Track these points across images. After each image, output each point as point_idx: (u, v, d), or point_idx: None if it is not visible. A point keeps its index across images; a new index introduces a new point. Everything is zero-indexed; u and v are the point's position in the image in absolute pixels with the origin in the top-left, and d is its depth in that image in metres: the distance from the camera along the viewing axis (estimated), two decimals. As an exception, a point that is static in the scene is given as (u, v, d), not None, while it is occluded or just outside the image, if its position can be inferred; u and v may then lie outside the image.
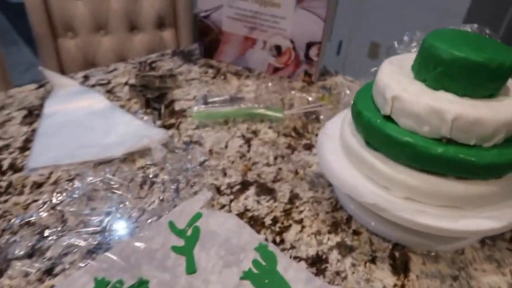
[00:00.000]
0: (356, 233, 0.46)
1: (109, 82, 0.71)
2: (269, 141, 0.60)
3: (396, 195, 0.42)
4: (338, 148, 0.48)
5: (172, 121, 0.63)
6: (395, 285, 0.41)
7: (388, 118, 0.42)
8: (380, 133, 0.41)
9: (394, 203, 0.41)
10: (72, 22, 0.98)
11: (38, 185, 0.49)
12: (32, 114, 0.61)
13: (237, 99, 0.66)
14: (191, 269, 0.41)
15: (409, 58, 0.45)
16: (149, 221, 0.45)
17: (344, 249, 0.44)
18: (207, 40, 0.80)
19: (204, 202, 0.48)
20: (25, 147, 0.55)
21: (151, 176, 0.52)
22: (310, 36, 0.71)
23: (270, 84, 0.75)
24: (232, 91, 0.72)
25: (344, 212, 0.49)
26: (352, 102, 0.47)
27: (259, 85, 0.75)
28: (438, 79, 0.40)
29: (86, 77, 0.72)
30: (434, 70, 0.40)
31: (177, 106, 0.66)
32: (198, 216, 0.47)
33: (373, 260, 0.43)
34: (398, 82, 0.41)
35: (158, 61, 0.80)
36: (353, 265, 0.43)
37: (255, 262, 0.42)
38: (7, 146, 0.55)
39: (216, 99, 0.65)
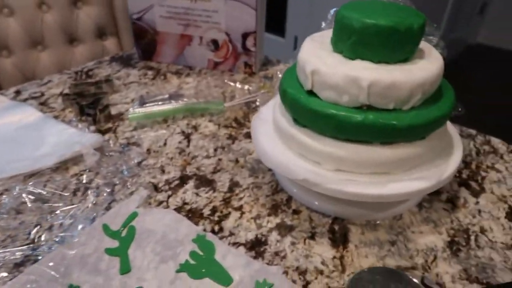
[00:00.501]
0: (296, 212, 0.46)
1: (42, 95, 0.69)
2: (210, 134, 0.59)
3: (327, 168, 0.42)
4: (271, 131, 0.48)
5: (109, 125, 0.61)
6: (334, 257, 0.41)
7: (311, 93, 0.42)
8: (304, 109, 0.41)
9: (325, 176, 0.41)
10: (6, 40, 0.95)
11: (-38, 205, 0.46)
12: (-42, 135, 0.58)
13: (176, 97, 0.65)
14: (125, 269, 0.39)
15: (329, 33, 0.46)
16: (80, 227, 0.44)
17: (284, 229, 0.44)
18: (144, 42, 0.79)
19: (140, 201, 0.47)
20: (-51, 168, 0.52)
21: (84, 182, 0.50)
22: (244, 27, 0.71)
23: (210, 79, 0.75)
24: (172, 89, 0.71)
25: (285, 193, 0.49)
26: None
27: (199, 81, 0.74)
28: (353, 48, 0.40)
29: (18, 92, 0.69)
30: (348, 40, 0.40)
31: (114, 110, 0.64)
32: (133, 215, 0.45)
33: (312, 237, 0.43)
34: (317, 57, 0.42)
35: (96, 68, 0.78)
36: (293, 243, 0.42)
37: (192, 254, 0.41)
38: None
39: (154, 99, 0.64)
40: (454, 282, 0.38)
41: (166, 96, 0.65)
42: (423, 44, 0.44)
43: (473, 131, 0.61)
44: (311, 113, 0.41)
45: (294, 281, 0.38)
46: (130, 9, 0.75)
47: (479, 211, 0.46)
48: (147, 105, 0.63)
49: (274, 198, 0.48)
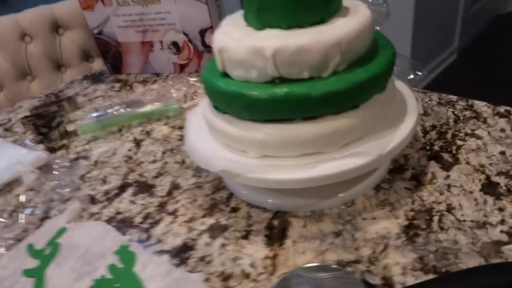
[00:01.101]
0: (234, 210, 0.41)
1: (9, 121, 0.69)
2: (161, 138, 0.56)
3: (253, 156, 0.37)
4: (203, 124, 0.43)
5: (64, 142, 0.59)
6: (266, 257, 0.35)
7: (225, 74, 0.37)
8: (216, 91, 0.37)
9: (248, 165, 0.36)
10: (-5, 75, 0.98)
11: None
12: None
13: (132, 104, 0.63)
14: (37, 290, 0.36)
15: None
16: (3, 250, 0.41)
17: (217, 231, 0.39)
18: (110, 56, 0.78)
19: (71, 215, 0.44)
20: None
21: (24, 201, 0.48)
22: (199, 24, 0.68)
23: (174, 81, 0.72)
24: (136, 98, 0.69)
25: (226, 191, 0.44)
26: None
27: (164, 86, 0.71)
28: (259, 17, 0.35)
29: (-13, 121, 0.70)
30: (253, 8, 0.35)
31: (73, 127, 0.62)
32: (61, 231, 0.42)
33: (246, 236, 0.38)
34: (225, 34, 0.37)
35: (66, 88, 0.78)
36: (223, 245, 0.37)
37: (110, 267, 0.37)
38: None
39: (109, 110, 0.62)
40: (405, 274, 0.31)
41: (122, 105, 0.62)
42: (350, 2, 0.38)
43: (454, 97, 0.53)
44: (222, 95, 0.36)
45: (215, 289, 0.33)
46: (89, 25, 0.75)
47: (448, 186, 0.39)
48: (102, 116, 0.61)
49: (214, 197, 0.43)
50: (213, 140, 0.40)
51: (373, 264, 0.33)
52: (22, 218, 0.45)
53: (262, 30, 0.35)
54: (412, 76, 0.51)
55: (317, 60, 0.33)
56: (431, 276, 0.31)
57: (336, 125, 0.34)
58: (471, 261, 0.31)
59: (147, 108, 0.61)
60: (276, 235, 0.37)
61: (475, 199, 0.37)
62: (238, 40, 0.35)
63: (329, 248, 0.35)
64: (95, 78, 0.81)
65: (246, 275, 0.34)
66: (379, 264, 0.32)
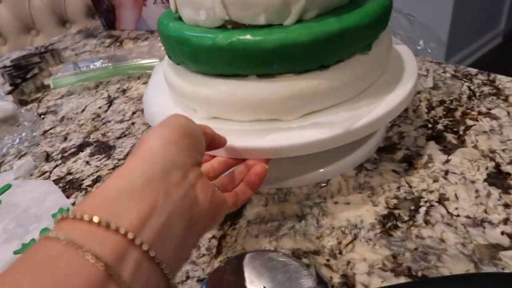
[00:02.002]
0: (192, 180, 0.36)
1: (-7, 70, 0.66)
2: (136, 97, 0.51)
3: (202, 116, 0.31)
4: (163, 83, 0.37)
5: (38, 95, 0.55)
6: (213, 236, 0.30)
7: (180, 18, 0.31)
8: (164, 36, 0.31)
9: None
10: (-1, 27, 0.95)
11: None
12: None
13: (115, 60, 0.58)
14: (-39, 249, 0.33)
15: None
16: None
17: (166, 202, 0.34)
18: (103, 10, 0.72)
19: (21, 172, 0.40)
20: None
21: (-22, 154, 0.44)
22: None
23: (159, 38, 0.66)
24: (121, 53, 0.64)
25: (189, 158, 0.38)
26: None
27: (154, 44, 0.66)
28: None
29: (-28, 70, 0.67)
30: None
31: (49, 80, 0.58)
32: (5, 188, 0.38)
33: (197, 210, 0.32)
34: None
35: (58, 42, 0.74)
36: (169, 219, 0.32)
37: (43, 231, 0.33)
38: None
39: (87, 63, 0.57)
40: (371, 274, 0.25)
41: (104, 59, 0.57)
42: None
43: (474, 70, 0.45)
44: (168, 40, 0.31)
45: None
46: (82, -28, 0.69)
47: (446, 173, 0.32)
48: (79, 70, 0.56)
49: (173, 164, 0.38)
50: (169, 97, 0.35)
51: (335, 258, 0.27)
52: (-30, 170, 0.42)
53: None
54: (422, 45, 0.43)
55: (275, 2, 0.26)
56: (402, 280, 0.24)
57: (298, 86, 0.27)
58: (457, 266, 0.25)
59: (129, 64, 0.56)
60: (230, 212, 0.32)
61: (477, 191, 0.30)
62: None
63: (286, 234, 0.29)
64: (89, 33, 0.76)
65: (185, 256, 0.29)
66: (342, 259, 0.26)
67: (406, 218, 0.29)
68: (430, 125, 0.37)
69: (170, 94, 0.34)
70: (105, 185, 0.18)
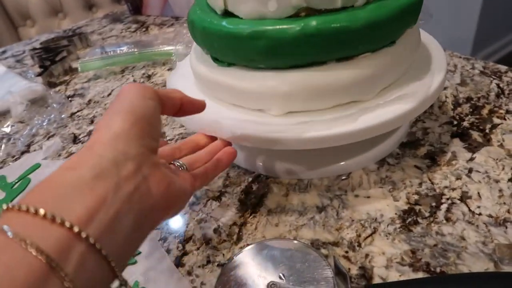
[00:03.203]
0: (214, 167, 0.36)
1: (23, 52, 0.67)
2: (161, 83, 0.52)
3: (275, 113, 0.30)
4: (193, 86, 0.36)
5: (66, 78, 0.57)
6: (234, 223, 0.30)
7: (227, 14, 0.29)
8: (221, 37, 0.29)
9: (275, 124, 0.29)
10: (28, 10, 0.97)
11: None
12: None
13: (141, 46, 0.59)
14: (-6, 223, 0.34)
15: None
16: (-26, 176, 0.40)
17: (189, 187, 0.35)
18: (130, -5, 0.73)
19: (48, 152, 0.42)
20: None
21: (10, 132, 0.46)
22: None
23: (185, 25, 0.66)
24: (147, 39, 0.65)
25: (212, 146, 0.39)
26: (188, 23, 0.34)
27: (179, 31, 0.66)
28: None
29: (3, 52, 0.69)
30: None
31: (77, 64, 0.59)
32: (35, 167, 0.40)
33: (218, 197, 0.33)
34: None
35: (85, 26, 0.75)
36: (191, 205, 0.33)
37: (70, 211, 0.34)
38: None
39: (114, 48, 0.58)
40: (389, 268, 0.25)
41: (130, 45, 0.58)
42: None
43: (504, 67, 0.44)
44: (231, 40, 0.28)
45: (168, 250, 0.29)
46: (111, -43, 0.70)
47: (470, 171, 0.31)
48: (106, 54, 0.57)
49: (196, 151, 0.39)
50: (211, 102, 0.31)
51: (354, 250, 0.27)
52: (2, 148, 0.43)
53: None
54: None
55: None
56: (420, 275, 0.25)
57: (375, 64, 0.28)
58: (477, 265, 0.25)
59: (154, 50, 0.57)
60: (251, 201, 0.32)
61: (500, 190, 0.29)
62: None
63: (306, 224, 0.29)
64: (115, 18, 0.77)
65: (207, 241, 0.29)
66: (361, 251, 0.27)
67: (426, 214, 0.29)
68: (455, 122, 0.37)
69: (219, 97, 0.32)
70: (54, 177, 0.18)
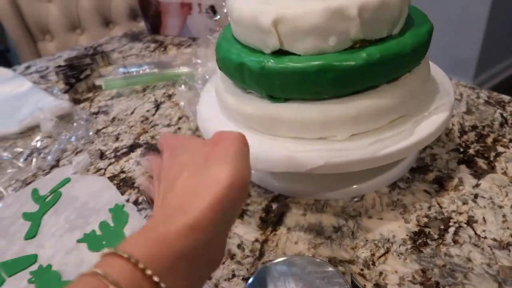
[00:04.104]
0: (235, 186, 0.39)
1: (46, 68, 0.71)
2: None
3: (340, 138, 0.31)
4: (222, 116, 0.37)
5: (89, 95, 0.60)
6: (256, 240, 0.33)
7: (280, 52, 0.30)
8: (285, 74, 0.30)
9: (346, 149, 0.30)
10: (48, 25, 1.01)
11: None
12: (-40, 104, 0.62)
13: (161, 66, 0.62)
14: (30, 234, 0.37)
15: None
16: (10, 190, 0.42)
17: (212, 205, 0.37)
18: (149, 15, 0.77)
19: (79, 167, 0.44)
20: None
21: (40, 147, 0.49)
22: (240, -11, 0.64)
23: (211, 48, 0.69)
24: (166, 60, 0.68)
25: (232, 165, 0.42)
26: (218, 61, 0.35)
27: (197, 51, 0.69)
28: None
29: (28, 67, 0.72)
30: None
31: (100, 81, 0.62)
32: (65, 181, 0.43)
33: (241, 215, 0.35)
34: (267, 4, 0.31)
35: (105, 43, 0.78)
36: (215, 221, 0.35)
37: (102, 224, 0.37)
38: None
39: (136, 68, 0.61)
40: (401, 285, 0.28)
41: (150, 65, 0.61)
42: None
43: (507, 97, 0.46)
44: (297, 76, 0.29)
45: (196, 264, 0.32)
46: (133, -20, 0.74)
47: (475, 196, 0.34)
48: (128, 73, 0.60)
49: (218, 170, 0.41)
50: (262, 136, 0.33)
51: (368, 268, 0.29)
52: (34, 162, 0.46)
53: None
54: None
55: (395, 14, 0.30)
56: (430, 293, 0.27)
57: (415, 82, 0.32)
58: (482, 285, 0.27)
59: (174, 70, 0.60)
60: (271, 219, 0.35)
61: (504, 215, 0.32)
62: (300, 6, 0.29)
63: (324, 243, 0.32)
64: (134, 37, 0.80)
65: (232, 256, 0.32)
66: (375, 269, 0.29)
67: (435, 236, 0.31)
68: (461, 149, 0.39)
69: (276, 132, 0.33)
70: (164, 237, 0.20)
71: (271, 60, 0.30)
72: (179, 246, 0.20)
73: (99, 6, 1.03)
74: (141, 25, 1.07)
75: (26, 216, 0.39)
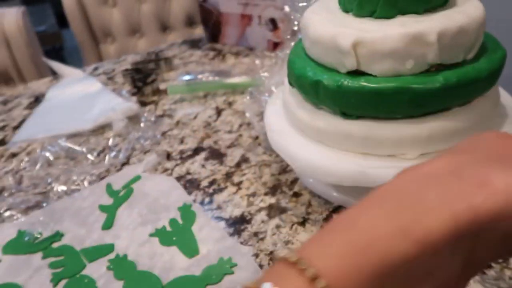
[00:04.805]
0: (296, 195, 0.41)
1: (113, 71, 0.76)
2: (241, 110, 0.57)
3: (410, 157, 0.32)
4: (290, 127, 0.38)
5: (154, 98, 0.64)
6: (318, 248, 0.34)
7: (356, 72, 0.32)
8: (358, 95, 0.31)
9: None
10: (110, 29, 1.08)
11: (13, 155, 0.54)
12: (38, 101, 0.68)
13: (222, 74, 0.65)
14: (106, 225, 0.40)
15: (331, 0, 0.37)
16: (86, 183, 0.46)
17: (274, 211, 0.39)
18: (210, 25, 0.80)
19: (149, 166, 0.48)
20: (19, 126, 0.61)
21: (111, 145, 0.53)
22: (301, 3, 0.67)
23: (266, 59, 0.72)
24: (225, 68, 0.71)
25: (293, 174, 0.43)
26: (291, 77, 0.37)
27: (254, 61, 0.72)
28: (389, 3, 0.31)
29: (96, 68, 0.78)
30: None
31: (164, 86, 0.66)
32: (136, 178, 0.46)
33: (303, 223, 0.37)
34: (347, 27, 0.32)
35: (166, 49, 0.83)
36: (278, 226, 0.37)
37: (172, 221, 0.39)
38: (4, 126, 0.61)
39: (199, 75, 0.64)
40: (465, 304, 0.29)
41: (212, 72, 0.65)
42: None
43: None
44: (373, 96, 0.31)
45: (261, 266, 0.34)
46: (197, -9, 0.78)
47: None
48: (191, 80, 0.63)
49: (279, 177, 0.43)
50: (334, 152, 0.34)
51: (431, 285, 0.30)
52: (107, 159, 0.50)
53: (396, 18, 0.32)
54: None
55: (471, 40, 0.31)
56: (495, 315, 0.28)
57: (488, 105, 0.34)
58: (549, 312, 0.27)
59: (234, 79, 0.62)
60: (333, 229, 0.36)
61: None
62: (379, 31, 0.31)
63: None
64: (193, 44, 0.84)
65: (294, 261, 0.34)
66: None
67: (500, 260, 0.31)
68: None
69: (347, 148, 0.34)
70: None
71: (348, 80, 0.31)
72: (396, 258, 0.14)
73: (158, 12, 1.08)
74: (197, 32, 1.13)
75: (103, 208, 0.42)
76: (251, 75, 0.63)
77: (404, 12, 0.32)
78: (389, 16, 0.32)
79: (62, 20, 2.08)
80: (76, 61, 1.72)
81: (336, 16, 0.35)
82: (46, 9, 2.60)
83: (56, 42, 2.59)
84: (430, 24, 0.30)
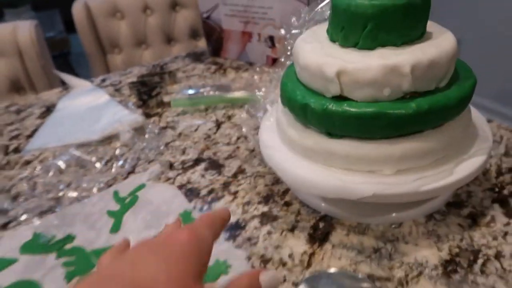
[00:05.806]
0: (287, 204, 0.45)
1: (120, 83, 0.80)
2: (239, 124, 0.61)
3: (388, 172, 0.36)
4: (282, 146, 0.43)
5: (158, 110, 0.68)
6: (304, 252, 0.38)
7: (340, 97, 0.36)
8: (341, 118, 0.35)
9: (391, 183, 0.36)
10: (117, 40, 1.12)
11: (27, 162, 0.58)
12: (49, 110, 0.72)
13: (222, 89, 0.69)
14: (114, 229, 0.44)
15: (320, 29, 0.42)
16: (95, 190, 0.50)
17: (267, 218, 0.43)
18: (212, 40, 0.85)
19: (152, 175, 0.52)
20: (32, 135, 0.65)
21: (118, 154, 0.57)
22: (298, 23, 0.71)
23: (263, 74, 0.76)
24: (226, 83, 0.75)
25: (284, 185, 0.47)
26: (283, 98, 0.42)
27: (253, 75, 0.76)
28: (371, 37, 0.35)
29: (103, 80, 0.82)
30: (363, 30, 0.35)
31: (167, 98, 0.71)
32: (141, 187, 0.50)
33: (292, 229, 0.41)
34: (332, 56, 0.36)
35: (170, 62, 0.87)
36: (269, 232, 0.41)
37: (173, 226, 0.43)
38: (18, 135, 0.65)
39: (201, 89, 0.69)
40: (431, 304, 0.32)
41: (213, 86, 0.69)
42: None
43: (545, 143, 0.49)
44: (354, 119, 0.35)
45: (253, 267, 0.37)
46: (200, 8, 0.82)
47: (505, 234, 0.38)
48: (193, 94, 0.68)
49: (272, 188, 0.47)
50: (319, 167, 0.38)
51: (402, 286, 0.34)
52: (114, 168, 0.54)
53: (376, 50, 0.36)
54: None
55: (443, 71, 0.35)
56: (456, 314, 0.31)
57: (458, 128, 0.37)
58: (504, 312, 0.31)
59: (233, 94, 0.67)
60: (318, 236, 0.40)
61: (530, 253, 0.36)
62: (361, 61, 0.34)
63: (364, 261, 0.37)
64: (196, 57, 0.89)
65: (283, 263, 0.37)
66: (408, 288, 0.34)
67: (464, 265, 0.35)
68: (497, 189, 0.43)
69: (330, 163, 0.38)
70: None
71: (332, 104, 0.35)
72: None
73: (164, 25, 1.13)
74: (201, 44, 1.17)
75: (110, 213, 0.46)
76: (250, 90, 0.67)
77: (384, 44, 0.36)
78: (370, 47, 0.36)
79: (69, 26, 2.14)
80: (82, 66, 1.77)
81: (324, 45, 0.39)
82: (54, 16, 2.66)
83: (64, 47, 2.65)
84: (405, 57, 0.34)
